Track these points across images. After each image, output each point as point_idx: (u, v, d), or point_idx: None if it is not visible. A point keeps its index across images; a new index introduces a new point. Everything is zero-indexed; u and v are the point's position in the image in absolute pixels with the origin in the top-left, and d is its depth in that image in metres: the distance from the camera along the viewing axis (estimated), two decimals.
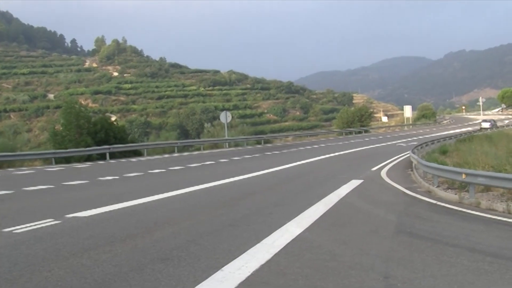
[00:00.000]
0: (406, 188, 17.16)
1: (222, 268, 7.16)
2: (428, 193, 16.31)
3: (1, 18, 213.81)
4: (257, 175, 21.15)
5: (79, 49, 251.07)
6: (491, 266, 7.56)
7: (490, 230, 10.76)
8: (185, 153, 39.40)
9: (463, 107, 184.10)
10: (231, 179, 19.36)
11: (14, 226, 10.02)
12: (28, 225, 10.17)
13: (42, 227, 10.08)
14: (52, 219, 10.76)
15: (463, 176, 14.83)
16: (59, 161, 30.30)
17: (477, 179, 14.35)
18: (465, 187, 15.65)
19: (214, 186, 17.50)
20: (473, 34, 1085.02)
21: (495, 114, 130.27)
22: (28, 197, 15.28)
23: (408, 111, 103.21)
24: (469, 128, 67.99)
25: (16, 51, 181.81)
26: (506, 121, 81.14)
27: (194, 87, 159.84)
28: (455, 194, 15.29)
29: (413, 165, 23.01)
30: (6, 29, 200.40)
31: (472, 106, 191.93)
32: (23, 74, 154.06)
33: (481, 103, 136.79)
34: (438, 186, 16.90)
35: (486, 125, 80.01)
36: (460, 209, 13.25)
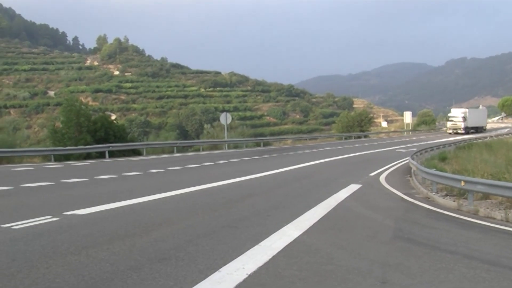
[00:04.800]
0: (404, 194, 17.17)
1: (220, 269, 7.17)
2: (427, 200, 16.32)
3: (4, 15, 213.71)
4: (255, 177, 21.13)
5: (80, 47, 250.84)
6: (488, 273, 7.57)
7: (488, 238, 10.76)
8: (184, 154, 39.35)
9: None
10: (230, 181, 19.34)
11: (12, 222, 10.02)
12: (26, 221, 10.17)
13: (40, 224, 10.08)
14: (50, 216, 10.76)
15: (462, 183, 14.85)
16: (58, 158, 30.25)
17: (476, 186, 14.37)
18: (463, 195, 15.70)
19: (213, 187, 17.50)
20: (475, 42, 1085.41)
21: (495, 122, 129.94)
22: (27, 194, 15.26)
23: (408, 117, 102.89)
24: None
25: (18, 47, 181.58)
26: (506, 130, 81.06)
27: (194, 88, 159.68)
28: (454, 201, 15.31)
29: (412, 171, 23.01)
30: (9, 26, 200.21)
31: None
32: (24, 70, 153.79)
33: None
34: (436, 193, 16.91)
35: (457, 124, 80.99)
36: (458, 216, 13.27)
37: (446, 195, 16.72)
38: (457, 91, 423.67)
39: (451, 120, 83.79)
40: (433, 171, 17.92)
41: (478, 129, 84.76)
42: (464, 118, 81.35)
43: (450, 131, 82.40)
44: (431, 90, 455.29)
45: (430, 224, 12.05)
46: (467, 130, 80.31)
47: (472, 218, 13.02)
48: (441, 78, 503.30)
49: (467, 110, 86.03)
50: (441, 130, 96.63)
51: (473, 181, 14.76)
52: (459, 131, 79.76)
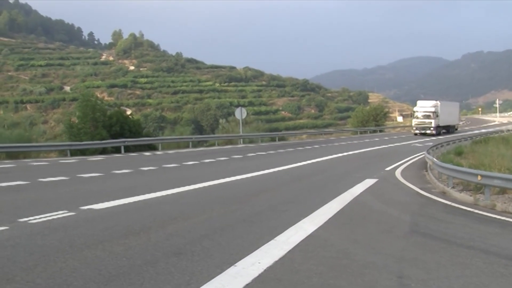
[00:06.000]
0: (420, 189, 17.09)
1: (236, 264, 7.18)
2: (443, 194, 16.23)
3: (20, 10, 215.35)
4: (271, 172, 21.13)
5: (96, 42, 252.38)
6: (506, 269, 7.52)
7: (505, 232, 10.69)
8: (200, 148, 39.40)
9: (479, 109, 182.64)
10: (245, 176, 19.35)
11: (29, 217, 10.08)
12: (43, 216, 10.22)
13: (57, 218, 10.13)
14: (66, 211, 10.81)
15: (479, 177, 14.75)
16: (74, 153, 30.42)
17: (493, 181, 14.27)
18: (480, 189, 15.59)
19: (228, 182, 17.52)
20: (492, 35, 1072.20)
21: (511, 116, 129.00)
22: (43, 188, 15.37)
23: None
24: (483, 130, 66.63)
25: (34, 43, 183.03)
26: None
27: (209, 83, 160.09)
28: (470, 195, 15.22)
29: (428, 165, 22.91)
30: (25, 21, 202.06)
31: (489, 108, 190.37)
32: (40, 66, 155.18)
33: (497, 105, 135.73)
34: (453, 187, 16.82)
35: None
36: (475, 210, 13.19)
37: (463, 189, 16.63)
38: (473, 85, 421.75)
39: (417, 117, 64.06)
40: (449, 165, 17.81)
41: (449, 129, 69.39)
42: (435, 114, 62.66)
43: (417, 131, 63.39)
44: (447, 84, 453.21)
45: (446, 219, 11.99)
46: (438, 130, 63.54)
47: (489, 212, 12.93)
48: (457, 72, 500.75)
49: (438, 103, 65.80)
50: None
51: (490, 175, 14.65)
52: (428, 131, 62.01)
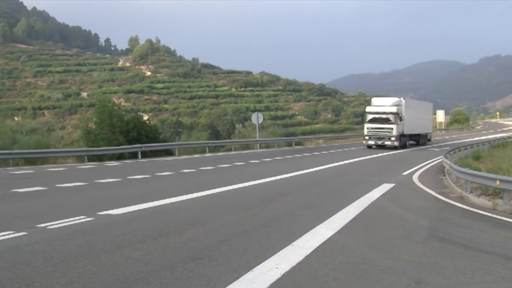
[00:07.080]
0: (438, 193, 16.98)
1: (253, 269, 7.17)
2: (461, 199, 16.11)
3: (38, 17, 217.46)
4: (288, 177, 21.10)
5: (112, 48, 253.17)
6: None
7: None
8: (216, 154, 39.44)
9: (497, 113, 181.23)
10: (262, 180, 19.34)
11: (48, 222, 10.13)
12: (61, 221, 10.28)
13: (75, 223, 10.18)
14: (84, 216, 10.86)
15: (498, 182, 14.62)
16: (91, 158, 30.55)
17: None
18: (499, 194, 15.46)
19: (245, 186, 17.51)
20: (509, 38, 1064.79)
21: None
22: (61, 194, 15.43)
23: (440, 116, 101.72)
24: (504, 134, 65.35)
25: (52, 49, 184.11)
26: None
27: (226, 88, 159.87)
28: (489, 200, 15.09)
29: (446, 170, 22.77)
30: (43, 28, 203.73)
31: (507, 111, 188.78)
32: (58, 72, 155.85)
33: None
34: (471, 192, 16.68)
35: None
36: (494, 215, 13.08)
37: (481, 194, 16.49)
38: (491, 89, 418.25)
39: (372, 121, 44.39)
40: (467, 170, 17.67)
41: (420, 139, 51.55)
42: (398, 117, 43.73)
43: (371, 141, 44.55)
44: (464, 88, 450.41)
45: (465, 224, 11.91)
46: (403, 141, 45.56)
47: (508, 217, 12.81)
48: (475, 76, 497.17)
49: (402, 100, 46.19)
50: (474, 129, 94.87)
51: (509, 180, 14.50)
52: (387, 142, 43.74)
